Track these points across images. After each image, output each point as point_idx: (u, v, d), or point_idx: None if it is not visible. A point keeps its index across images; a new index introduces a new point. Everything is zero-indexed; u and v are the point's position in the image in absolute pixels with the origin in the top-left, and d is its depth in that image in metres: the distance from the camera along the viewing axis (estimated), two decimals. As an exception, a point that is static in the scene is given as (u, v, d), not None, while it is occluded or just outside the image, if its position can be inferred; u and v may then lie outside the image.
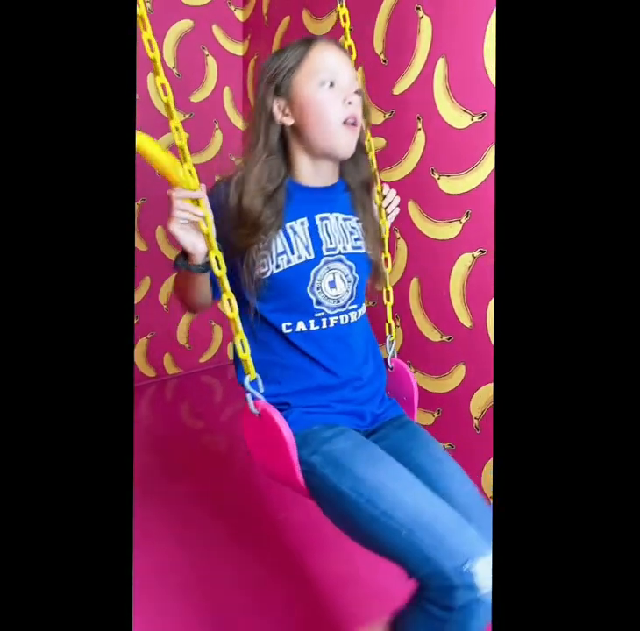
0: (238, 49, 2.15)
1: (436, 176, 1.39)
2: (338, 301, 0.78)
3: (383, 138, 1.54)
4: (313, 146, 0.75)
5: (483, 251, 1.31)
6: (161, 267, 2.16)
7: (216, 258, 0.67)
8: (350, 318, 0.80)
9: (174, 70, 2.01)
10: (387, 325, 0.93)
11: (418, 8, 1.36)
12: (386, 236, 0.89)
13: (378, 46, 1.51)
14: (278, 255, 0.74)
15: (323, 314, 0.77)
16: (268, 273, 0.74)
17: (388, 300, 0.92)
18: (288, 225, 0.75)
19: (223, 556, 1.35)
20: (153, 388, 2.16)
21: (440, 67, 1.34)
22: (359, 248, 0.80)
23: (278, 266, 0.74)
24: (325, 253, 0.76)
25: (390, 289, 0.91)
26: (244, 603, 1.18)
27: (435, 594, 0.59)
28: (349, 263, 0.78)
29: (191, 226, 0.66)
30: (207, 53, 2.07)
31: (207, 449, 1.82)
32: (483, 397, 1.37)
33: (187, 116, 2.06)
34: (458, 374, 1.42)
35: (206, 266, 0.69)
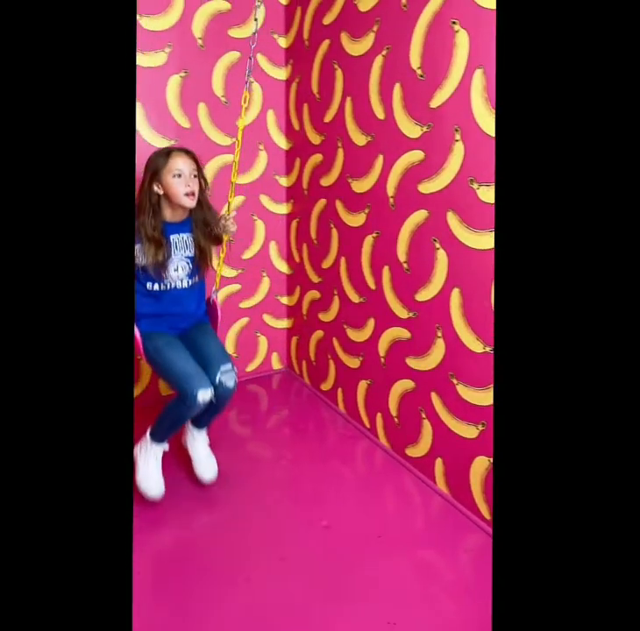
0: (281, 74, 2.25)
1: (475, 186, 1.39)
2: (178, 277, 1.56)
3: (421, 151, 1.56)
4: (173, 202, 1.50)
5: (525, 260, 1.29)
6: (210, 284, 2.26)
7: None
8: (184, 285, 1.58)
9: (223, 98, 2.13)
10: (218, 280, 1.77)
11: (454, 22, 1.39)
12: (225, 240, 1.67)
13: (414, 62, 1.54)
14: (155, 255, 1.49)
15: (169, 281, 1.55)
16: (146, 262, 1.50)
17: (216, 269, 1.75)
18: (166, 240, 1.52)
19: (264, 562, 1.37)
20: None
21: (478, 79, 1.34)
22: (192, 253, 1.58)
23: (155, 259, 1.49)
24: (173, 254, 1.54)
25: (213, 265, 1.68)
26: (289, 622, 1.19)
27: (181, 398, 1.43)
28: (186, 259, 1.57)
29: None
30: (252, 79, 2.18)
31: (252, 455, 1.87)
32: (529, 409, 1.33)
33: (234, 139, 2.17)
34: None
35: None
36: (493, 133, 1.32)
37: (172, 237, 1.53)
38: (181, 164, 1.46)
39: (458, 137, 1.42)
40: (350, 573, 1.32)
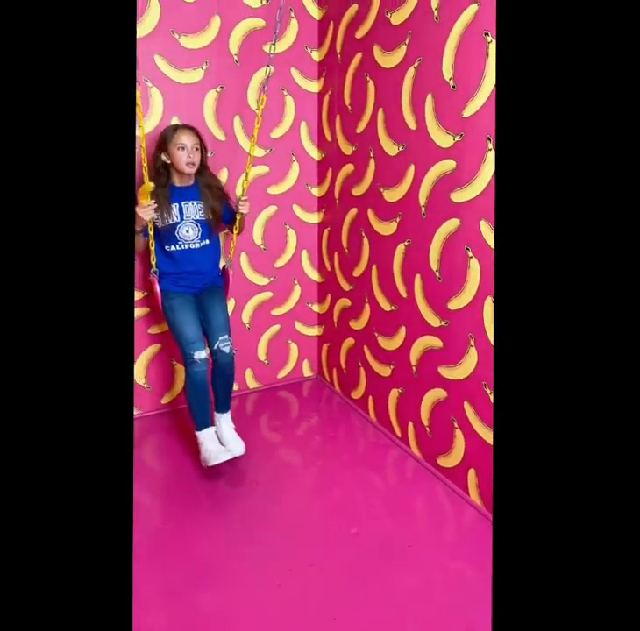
0: (313, 87, 2.30)
1: (508, 195, 1.39)
2: (190, 238, 1.83)
3: (453, 160, 1.56)
4: (177, 170, 1.79)
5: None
6: (245, 291, 2.32)
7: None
8: (197, 246, 1.85)
9: (257, 111, 2.19)
10: (231, 249, 2.07)
11: (486, 33, 1.39)
12: (239, 217, 1.90)
13: (446, 73, 1.55)
14: (165, 218, 1.78)
15: (182, 242, 1.83)
16: (160, 225, 1.79)
17: (233, 232, 1.97)
18: (172, 205, 1.80)
19: (295, 568, 1.39)
20: (237, 401, 2.30)
21: (510, 88, 1.34)
22: (202, 216, 1.85)
23: (165, 222, 1.79)
24: (184, 218, 1.82)
25: (236, 229, 1.93)
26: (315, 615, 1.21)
27: (183, 358, 1.76)
28: (196, 222, 1.84)
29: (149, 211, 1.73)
30: (286, 92, 2.24)
31: (282, 462, 1.89)
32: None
33: (267, 151, 2.23)
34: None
35: (145, 229, 1.79)
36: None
37: (182, 203, 1.82)
38: (184, 138, 1.75)
39: (490, 146, 1.42)
40: (379, 581, 1.32)
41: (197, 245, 1.84)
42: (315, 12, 2.23)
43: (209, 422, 1.79)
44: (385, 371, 2.02)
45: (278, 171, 2.29)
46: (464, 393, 1.62)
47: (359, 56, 1.98)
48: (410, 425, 1.90)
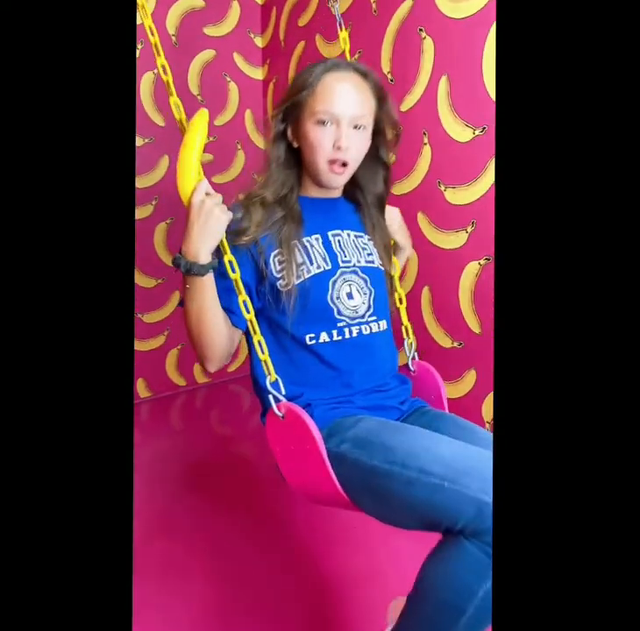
0: (257, 73, 2.27)
1: (442, 188, 1.44)
2: (357, 312, 0.81)
3: (393, 154, 1.60)
4: (311, 171, 0.82)
5: (488, 259, 1.35)
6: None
7: (231, 262, 0.73)
8: (371, 329, 0.82)
9: (199, 97, 2.14)
10: (403, 328, 0.94)
11: (421, 30, 1.43)
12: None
13: (385, 66, 1.58)
14: (298, 266, 0.78)
15: (344, 323, 0.80)
16: (290, 285, 0.77)
17: (401, 303, 0.95)
18: (304, 239, 0.80)
19: (248, 561, 1.42)
20: (184, 397, 2.28)
21: (443, 85, 1.39)
22: (372, 262, 0.85)
23: (299, 277, 0.77)
24: (341, 265, 0.81)
25: (402, 294, 0.95)
26: (265, 612, 1.24)
27: (479, 537, 0.57)
28: (363, 276, 0.83)
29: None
30: (229, 79, 2.20)
31: (235, 455, 1.91)
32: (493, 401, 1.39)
33: (211, 139, 2.19)
34: (470, 379, 1.45)
35: (211, 265, 0.73)
36: (457, 137, 1.38)
37: (330, 234, 0.84)
38: (336, 99, 0.76)
39: (425, 140, 1.47)
40: (325, 564, 1.37)
41: (374, 327, 0.84)
42: (257, -4, 2.19)
43: None
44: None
45: (222, 160, 2.25)
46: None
47: (302, 44, 1.98)
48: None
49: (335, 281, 0.80)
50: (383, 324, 0.85)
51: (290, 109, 0.79)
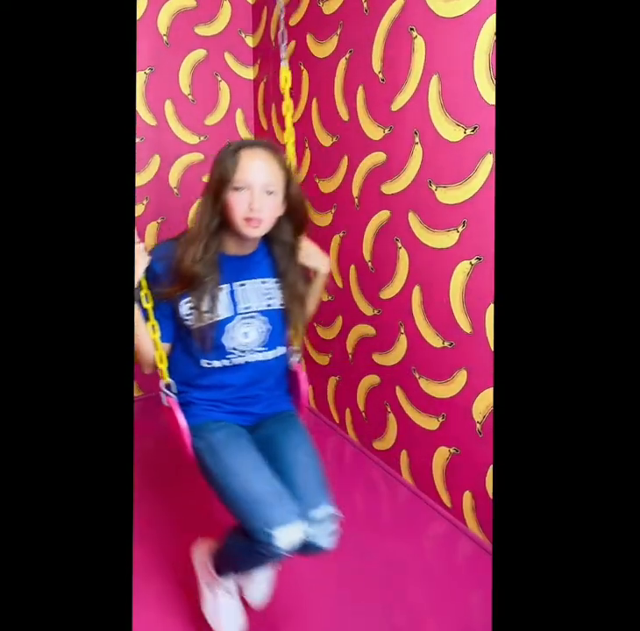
0: (248, 73, 2.26)
1: (433, 187, 1.44)
2: (247, 346, 1.03)
3: (383, 153, 1.60)
4: (232, 228, 0.98)
5: (480, 259, 1.35)
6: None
7: (146, 296, 0.98)
8: (257, 358, 1.05)
9: (190, 96, 2.13)
10: (296, 343, 1.16)
11: (412, 29, 1.43)
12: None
13: (376, 66, 1.58)
14: (202, 313, 0.98)
15: (235, 355, 1.03)
16: (195, 326, 0.99)
17: (297, 331, 1.13)
18: (215, 289, 1.00)
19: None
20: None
21: (434, 84, 1.39)
22: (271, 305, 1.05)
23: (202, 322, 0.98)
24: (241, 312, 1.02)
25: (301, 326, 1.11)
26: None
27: (252, 539, 0.88)
28: (262, 318, 1.04)
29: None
30: (220, 78, 2.19)
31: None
32: (484, 401, 1.39)
33: (202, 138, 2.17)
34: (460, 379, 1.45)
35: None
36: (448, 137, 1.37)
37: (236, 285, 1.01)
38: (248, 171, 0.93)
39: (417, 140, 1.47)
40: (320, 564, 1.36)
41: (260, 357, 1.05)
42: (248, -4, 2.19)
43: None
44: (324, 360, 2.06)
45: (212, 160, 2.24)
46: (395, 378, 1.68)
47: (293, 44, 1.97)
48: (347, 411, 1.96)
49: (233, 326, 1.01)
50: (272, 353, 1.06)
51: (216, 183, 0.96)
